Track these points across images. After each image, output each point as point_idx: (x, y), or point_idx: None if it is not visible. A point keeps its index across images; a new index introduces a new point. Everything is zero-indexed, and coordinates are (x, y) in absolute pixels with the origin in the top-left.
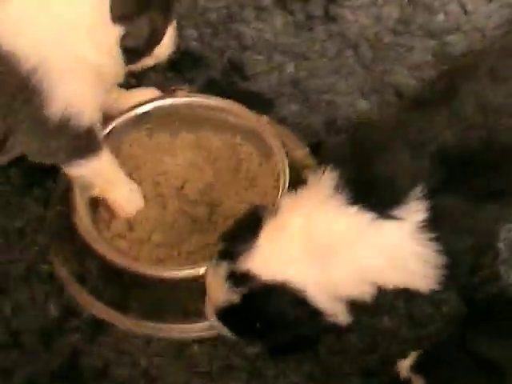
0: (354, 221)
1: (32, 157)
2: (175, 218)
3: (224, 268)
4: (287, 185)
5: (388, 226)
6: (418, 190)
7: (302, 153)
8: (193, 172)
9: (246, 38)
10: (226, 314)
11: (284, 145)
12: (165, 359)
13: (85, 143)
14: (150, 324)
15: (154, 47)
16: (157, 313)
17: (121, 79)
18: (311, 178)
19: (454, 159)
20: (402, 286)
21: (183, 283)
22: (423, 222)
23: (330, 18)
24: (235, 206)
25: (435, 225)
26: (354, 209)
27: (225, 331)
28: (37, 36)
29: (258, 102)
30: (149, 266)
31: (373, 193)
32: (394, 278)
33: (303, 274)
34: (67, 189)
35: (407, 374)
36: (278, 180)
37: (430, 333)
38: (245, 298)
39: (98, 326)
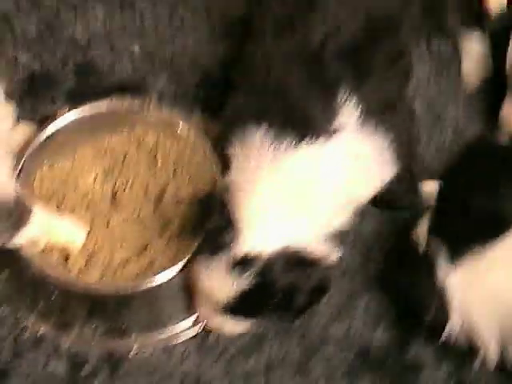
0: (310, 156)
1: None
2: (123, 228)
3: (222, 260)
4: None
5: (338, 140)
6: (341, 95)
7: (195, 116)
8: (112, 179)
9: (79, 39)
10: (240, 303)
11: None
12: None
13: (19, 212)
14: (155, 334)
15: None
16: (156, 323)
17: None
18: (240, 143)
19: (350, 49)
20: (369, 195)
21: (170, 285)
22: (360, 116)
23: None
24: (175, 193)
25: (369, 111)
26: (302, 146)
27: (233, 326)
28: None
29: (128, 92)
30: (128, 283)
31: (307, 122)
32: (363, 187)
33: (296, 231)
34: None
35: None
36: (203, 151)
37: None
38: (255, 278)
39: None
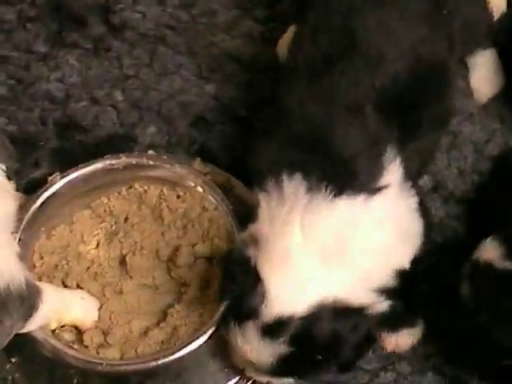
0: (349, 211)
1: None
2: (138, 296)
3: (251, 327)
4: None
5: (380, 199)
6: (388, 154)
7: (196, 164)
8: (118, 243)
9: (55, 93)
10: (281, 366)
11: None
12: None
13: (30, 297)
14: None
15: None
16: None
17: None
18: (268, 193)
19: (392, 102)
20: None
21: (198, 353)
22: (401, 176)
23: (114, 28)
24: (190, 252)
25: (409, 172)
26: (341, 200)
27: (287, 381)
28: None
29: (117, 145)
30: (150, 356)
31: (349, 176)
32: (404, 248)
33: (332, 284)
34: None
35: None
36: (208, 203)
37: None
38: (292, 343)
39: None
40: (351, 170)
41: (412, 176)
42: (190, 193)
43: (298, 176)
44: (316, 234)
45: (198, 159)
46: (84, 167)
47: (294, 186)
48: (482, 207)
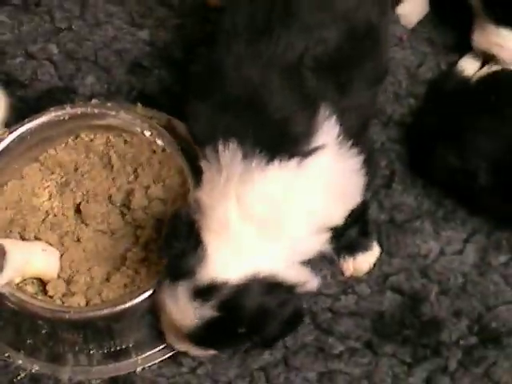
0: (282, 176)
1: None
2: (95, 242)
3: (184, 287)
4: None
5: (316, 161)
6: (322, 113)
7: (138, 109)
8: (71, 193)
9: None
10: (203, 333)
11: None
12: None
13: None
14: (157, 345)
15: None
16: (155, 334)
17: None
18: (207, 161)
19: (326, 64)
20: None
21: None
22: (338, 136)
23: None
24: (140, 194)
25: (347, 132)
26: (274, 165)
27: (201, 352)
28: None
29: (58, 98)
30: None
31: (282, 139)
32: (339, 211)
33: (267, 257)
34: None
35: None
36: (156, 146)
37: None
38: (220, 309)
39: None
40: (283, 133)
41: (354, 135)
42: (138, 138)
43: (233, 143)
44: (251, 205)
45: (139, 104)
46: (31, 121)
47: (229, 153)
48: (419, 129)
